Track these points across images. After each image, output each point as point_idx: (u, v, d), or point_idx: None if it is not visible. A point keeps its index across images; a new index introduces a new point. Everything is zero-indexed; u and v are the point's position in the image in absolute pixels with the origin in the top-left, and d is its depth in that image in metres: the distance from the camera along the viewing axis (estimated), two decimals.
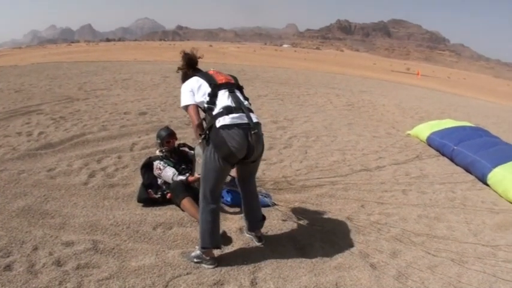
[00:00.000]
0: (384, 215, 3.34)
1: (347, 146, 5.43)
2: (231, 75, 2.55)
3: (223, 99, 2.31)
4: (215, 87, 2.35)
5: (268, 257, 2.52)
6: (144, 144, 4.71)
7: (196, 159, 2.71)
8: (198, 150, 2.57)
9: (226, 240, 2.67)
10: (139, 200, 3.18)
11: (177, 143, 3.53)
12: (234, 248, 2.61)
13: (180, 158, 3.42)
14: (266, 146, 5.00)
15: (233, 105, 2.29)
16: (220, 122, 2.22)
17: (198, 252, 2.39)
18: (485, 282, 2.48)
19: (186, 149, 3.57)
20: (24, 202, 3.06)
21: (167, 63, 15.55)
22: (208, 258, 2.37)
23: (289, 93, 9.99)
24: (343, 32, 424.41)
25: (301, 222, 3.06)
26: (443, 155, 5.41)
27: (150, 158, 3.45)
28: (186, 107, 2.41)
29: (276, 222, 3.00)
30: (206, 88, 2.36)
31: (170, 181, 3.16)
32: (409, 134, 6.50)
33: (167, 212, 3.05)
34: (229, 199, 3.20)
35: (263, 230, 2.77)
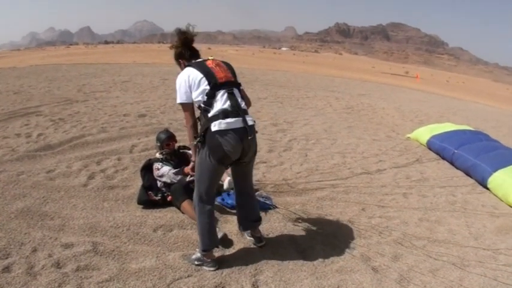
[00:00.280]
0: (384, 218, 3.33)
1: (347, 149, 5.43)
2: (229, 68, 2.42)
3: (221, 101, 2.24)
4: (214, 87, 2.25)
5: (269, 259, 2.51)
6: (143, 146, 4.70)
7: None
8: None
9: (228, 242, 2.66)
10: (139, 202, 3.17)
11: (177, 145, 3.52)
12: (235, 251, 2.60)
13: (180, 161, 3.40)
14: (266, 148, 5.07)
15: (230, 109, 2.23)
16: (216, 126, 2.17)
17: (198, 254, 2.38)
18: (487, 286, 2.48)
19: (186, 151, 3.56)
20: (23, 203, 3.04)
21: (166, 65, 15.50)
22: (209, 260, 2.36)
23: (289, 96, 10.01)
24: (341, 35, 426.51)
25: (302, 225, 3.04)
26: (443, 158, 5.41)
27: (150, 160, 3.45)
28: (182, 105, 2.33)
29: (276, 225, 2.99)
30: (205, 86, 2.25)
31: (166, 176, 3.15)
32: (409, 137, 6.51)
33: (167, 214, 3.04)
34: (230, 202, 3.19)
35: (264, 233, 2.76)
